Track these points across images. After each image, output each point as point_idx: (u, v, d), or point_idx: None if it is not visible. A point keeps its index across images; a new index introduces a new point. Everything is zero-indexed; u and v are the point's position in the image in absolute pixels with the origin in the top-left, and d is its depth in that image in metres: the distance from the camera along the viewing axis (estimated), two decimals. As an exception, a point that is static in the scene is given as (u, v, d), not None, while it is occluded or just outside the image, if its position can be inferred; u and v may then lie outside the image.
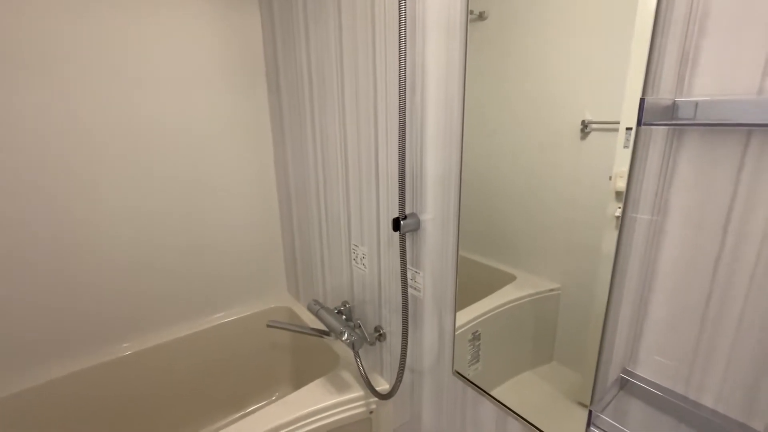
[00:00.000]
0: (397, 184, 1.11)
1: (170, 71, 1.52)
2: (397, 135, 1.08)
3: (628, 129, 0.65)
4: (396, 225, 1.05)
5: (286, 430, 1.22)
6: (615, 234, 0.68)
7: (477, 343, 1.02)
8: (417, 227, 1.08)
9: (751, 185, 0.52)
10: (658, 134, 0.59)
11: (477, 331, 1.01)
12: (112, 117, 1.44)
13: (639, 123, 0.47)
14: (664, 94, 0.56)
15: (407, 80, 1.01)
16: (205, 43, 1.58)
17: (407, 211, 1.10)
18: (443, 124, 0.95)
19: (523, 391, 0.91)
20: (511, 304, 0.91)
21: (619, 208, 0.68)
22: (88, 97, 1.38)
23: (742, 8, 0.49)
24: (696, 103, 0.51)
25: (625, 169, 0.67)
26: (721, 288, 0.56)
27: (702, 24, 0.53)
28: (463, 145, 0.92)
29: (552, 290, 0.81)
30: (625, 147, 0.66)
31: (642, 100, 0.47)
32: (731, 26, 0.50)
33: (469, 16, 0.86)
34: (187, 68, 1.56)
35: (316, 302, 1.46)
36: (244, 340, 1.89)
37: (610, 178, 0.68)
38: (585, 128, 0.72)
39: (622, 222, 0.65)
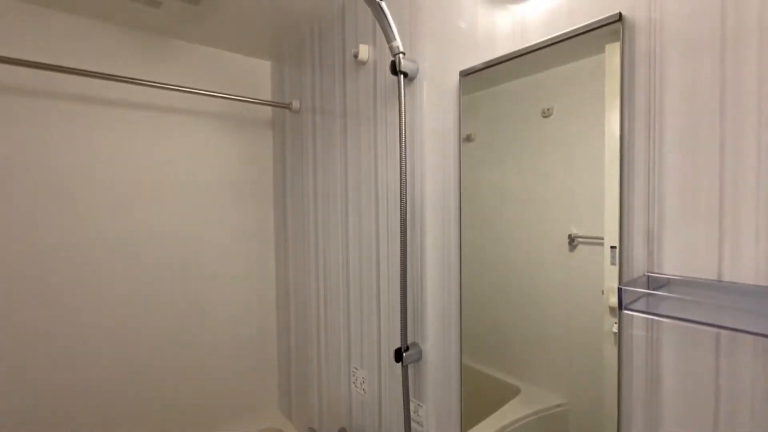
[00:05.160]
0: (399, 309, 1.15)
1: (185, 185, 1.64)
2: (398, 258, 1.16)
3: (613, 248, 0.70)
4: (398, 356, 1.06)
5: None
6: (615, 349, 0.69)
7: (483, 470, 0.96)
8: (419, 358, 1.09)
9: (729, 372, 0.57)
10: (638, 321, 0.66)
11: (483, 455, 0.95)
12: (127, 228, 1.51)
13: (620, 308, 0.54)
14: (637, 269, 0.65)
15: (408, 209, 1.12)
16: (219, 161, 1.74)
17: (409, 341, 1.12)
18: (441, 243, 1.03)
19: None
20: (518, 423, 0.88)
21: (616, 323, 0.70)
22: (110, 211, 1.47)
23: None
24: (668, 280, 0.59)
25: (615, 284, 0.71)
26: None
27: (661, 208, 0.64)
28: (462, 262, 0.98)
29: (559, 406, 0.80)
30: (612, 264, 0.71)
31: (620, 289, 0.54)
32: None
33: (461, 133, 0.97)
34: (202, 182, 1.69)
35: (312, 431, 1.38)
36: (229, 470, 1.71)
37: (603, 292, 0.71)
38: (572, 242, 0.77)
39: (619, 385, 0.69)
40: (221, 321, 1.75)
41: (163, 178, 1.59)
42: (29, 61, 1.15)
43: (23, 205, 1.32)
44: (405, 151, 1.03)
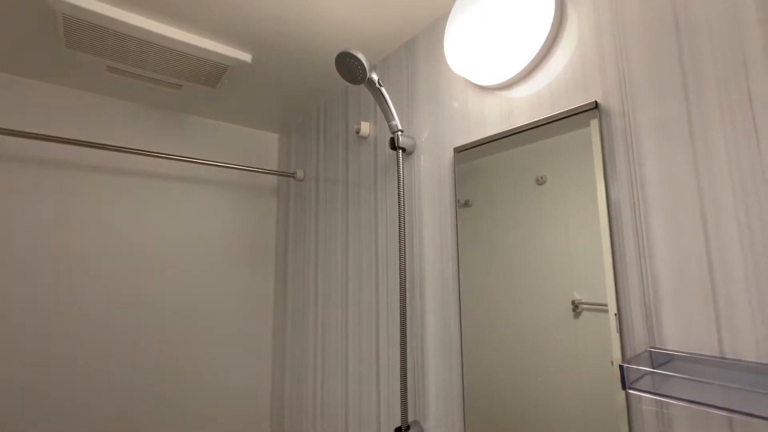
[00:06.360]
0: (399, 384, 1.10)
1: (189, 252, 1.66)
2: (398, 329, 1.13)
3: (617, 314, 0.68)
4: (398, 437, 0.99)
5: None
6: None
7: None
8: (421, 439, 1.02)
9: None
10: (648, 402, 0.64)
11: None
12: (130, 294, 1.49)
13: (624, 387, 0.53)
14: (639, 344, 0.64)
15: (407, 277, 1.12)
16: (225, 228, 1.77)
17: (410, 419, 1.06)
18: (441, 312, 1.01)
19: None
20: None
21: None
22: (116, 276, 1.47)
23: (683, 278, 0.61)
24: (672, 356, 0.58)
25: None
26: None
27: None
28: (462, 330, 0.96)
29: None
30: (618, 332, 0.68)
31: (621, 367, 0.54)
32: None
33: (457, 203, 0.99)
34: (205, 248, 1.70)
35: None
36: None
37: (612, 363, 0.67)
38: (576, 308, 0.74)
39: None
40: (214, 389, 1.66)
41: (169, 243, 1.62)
42: (56, 137, 1.24)
43: (35, 274, 1.34)
44: (404, 218, 1.07)
